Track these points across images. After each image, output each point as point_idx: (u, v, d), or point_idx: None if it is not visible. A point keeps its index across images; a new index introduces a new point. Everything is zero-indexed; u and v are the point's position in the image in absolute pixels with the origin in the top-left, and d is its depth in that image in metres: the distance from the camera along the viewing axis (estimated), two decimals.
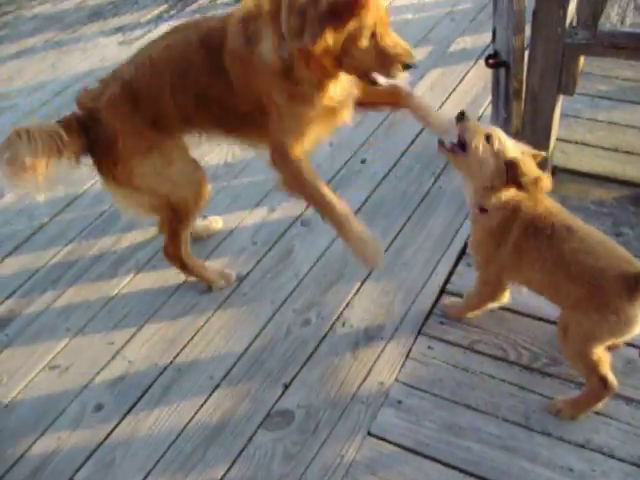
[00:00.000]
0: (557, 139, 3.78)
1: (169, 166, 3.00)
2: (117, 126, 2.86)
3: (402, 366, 2.92)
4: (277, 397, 2.89)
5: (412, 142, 4.18)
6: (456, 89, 4.62)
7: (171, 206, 3.08)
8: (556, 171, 3.80)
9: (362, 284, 3.31)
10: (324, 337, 3.10)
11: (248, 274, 3.46)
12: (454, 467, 2.58)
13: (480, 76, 4.60)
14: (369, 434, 2.71)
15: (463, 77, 4.73)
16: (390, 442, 2.68)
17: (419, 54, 5.11)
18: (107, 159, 2.93)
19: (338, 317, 3.18)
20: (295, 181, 2.88)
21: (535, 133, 3.49)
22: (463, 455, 2.61)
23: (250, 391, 2.94)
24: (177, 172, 3.04)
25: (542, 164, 2.72)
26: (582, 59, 3.39)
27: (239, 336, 3.16)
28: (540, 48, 3.24)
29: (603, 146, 4.01)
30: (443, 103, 4.49)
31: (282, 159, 2.84)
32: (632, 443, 2.57)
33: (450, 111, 4.41)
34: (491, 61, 3.69)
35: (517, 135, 3.65)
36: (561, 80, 3.29)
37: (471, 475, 2.55)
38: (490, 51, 3.76)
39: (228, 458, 2.72)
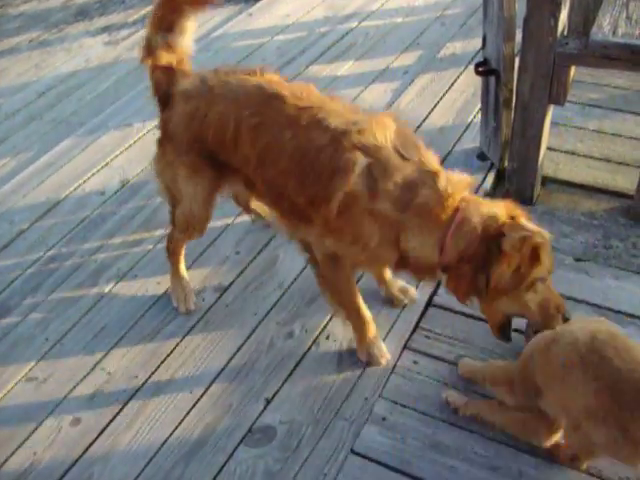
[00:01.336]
0: (547, 148, 3.74)
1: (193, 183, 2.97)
2: (171, 128, 2.90)
3: (387, 381, 2.87)
4: (259, 412, 2.83)
5: None
6: (445, 95, 4.58)
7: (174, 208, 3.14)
8: (546, 181, 3.76)
9: None
10: (308, 351, 3.04)
11: (231, 284, 3.39)
12: None
13: (470, 82, 4.56)
14: (352, 452, 2.65)
15: (452, 83, 4.69)
16: (374, 460, 2.61)
17: (408, 59, 5.09)
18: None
19: (322, 330, 3.12)
20: (336, 287, 2.87)
21: (525, 143, 3.45)
22: (448, 474, 2.55)
23: (231, 406, 2.87)
24: (185, 193, 3.01)
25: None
26: (573, 69, 3.35)
27: (221, 348, 3.09)
28: (531, 57, 3.20)
29: (593, 156, 3.98)
30: (432, 109, 4.44)
31: (334, 266, 2.76)
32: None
33: (439, 117, 4.38)
34: (481, 69, 3.66)
35: (507, 144, 3.61)
36: (552, 90, 3.26)
37: None
38: (480, 58, 3.73)
39: (208, 475, 2.65)
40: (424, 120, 4.38)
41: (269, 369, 2.98)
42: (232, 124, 2.70)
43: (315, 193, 2.58)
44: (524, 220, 2.44)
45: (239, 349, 3.08)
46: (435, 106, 4.48)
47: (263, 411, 2.83)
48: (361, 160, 2.45)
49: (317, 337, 3.09)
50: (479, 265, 2.39)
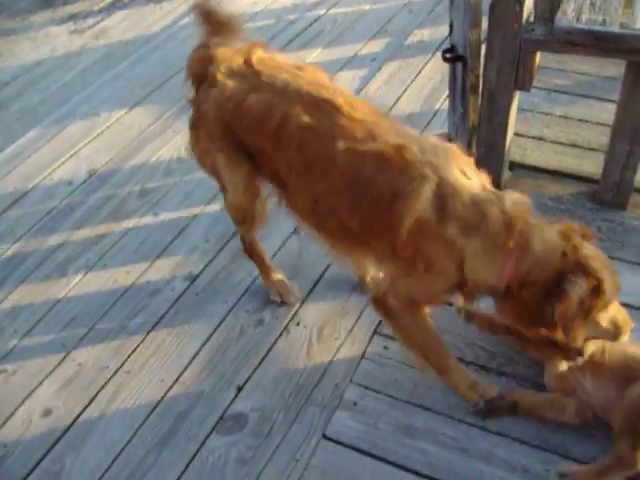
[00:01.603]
0: (514, 134, 3.77)
1: (225, 169, 2.80)
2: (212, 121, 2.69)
3: (357, 367, 2.88)
4: (230, 400, 2.83)
5: None
6: (413, 82, 4.59)
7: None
8: (513, 166, 3.79)
9: (317, 283, 3.26)
10: (278, 338, 3.05)
11: (201, 273, 3.39)
12: (410, 470, 2.54)
13: (437, 69, 4.57)
14: (324, 437, 2.67)
15: (420, 70, 4.71)
16: (345, 445, 2.64)
17: (376, 46, 5.09)
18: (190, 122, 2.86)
19: (292, 317, 3.13)
20: (417, 331, 2.64)
21: (492, 129, 3.47)
22: (419, 457, 2.58)
23: (203, 394, 2.87)
24: (229, 181, 2.83)
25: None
26: (539, 55, 3.37)
27: (191, 337, 3.09)
28: (497, 43, 3.21)
29: (560, 141, 4.01)
30: (400, 96, 4.45)
31: (413, 308, 2.57)
32: (588, 443, 2.56)
33: (407, 104, 4.40)
34: (448, 55, 3.66)
35: (474, 130, 3.63)
36: (518, 76, 3.27)
37: (427, 477, 2.52)
38: (447, 45, 3.73)
39: (181, 463, 2.66)
40: (392, 107, 4.39)
41: (240, 357, 2.99)
42: (277, 117, 2.49)
43: (374, 218, 2.40)
44: (587, 250, 2.36)
45: (209, 337, 3.08)
46: (403, 93, 4.49)
47: (234, 398, 2.84)
48: (430, 181, 2.29)
49: (287, 324, 3.10)
50: (540, 294, 2.33)
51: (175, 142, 4.19)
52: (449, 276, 2.39)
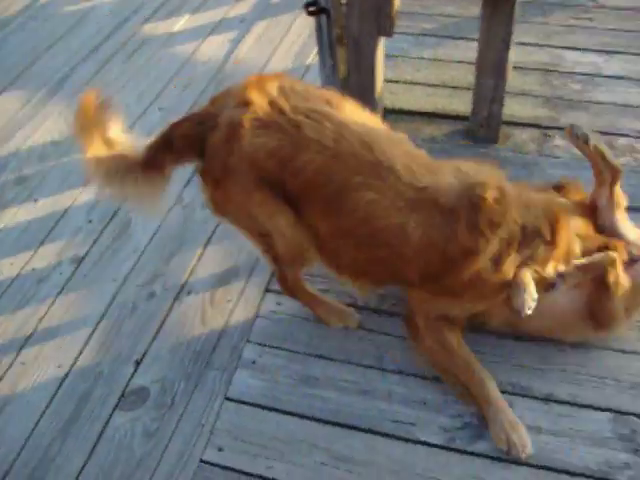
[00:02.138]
0: (385, 80, 3.81)
1: (270, 219, 2.55)
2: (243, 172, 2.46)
3: (253, 326, 2.91)
4: (130, 375, 2.82)
5: None
6: (283, 40, 4.59)
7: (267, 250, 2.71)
8: (387, 112, 3.85)
9: (204, 249, 3.26)
10: (171, 308, 3.04)
11: (86, 254, 3.33)
12: (313, 418, 2.60)
13: (306, 25, 4.57)
14: (227, 399, 2.69)
15: (289, 27, 4.71)
16: (248, 403, 2.67)
17: (244, 7, 5.05)
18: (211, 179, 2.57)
19: (183, 286, 3.12)
20: (450, 354, 2.65)
21: (361, 77, 3.51)
22: (321, 405, 2.64)
23: (102, 373, 2.85)
24: (275, 228, 2.57)
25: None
26: (398, 0, 3.41)
27: (84, 319, 3.05)
28: None
29: (431, 83, 4.09)
30: (271, 55, 4.45)
31: (444, 327, 2.65)
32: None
33: (278, 63, 4.39)
34: (311, 9, 3.65)
35: (345, 81, 3.66)
36: (379, 22, 3.30)
37: (330, 423, 2.58)
38: None
39: (87, 445, 2.63)
40: (264, 67, 4.38)
41: (135, 332, 2.97)
42: (334, 186, 2.40)
43: (436, 274, 2.49)
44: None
45: (102, 317, 3.05)
46: (274, 52, 4.49)
47: (134, 373, 2.83)
48: (492, 241, 2.41)
49: (178, 294, 3.09)
50: None
51: (47, 126, 4.08)
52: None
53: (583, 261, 2.54)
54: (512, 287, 2.47)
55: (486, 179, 2.45)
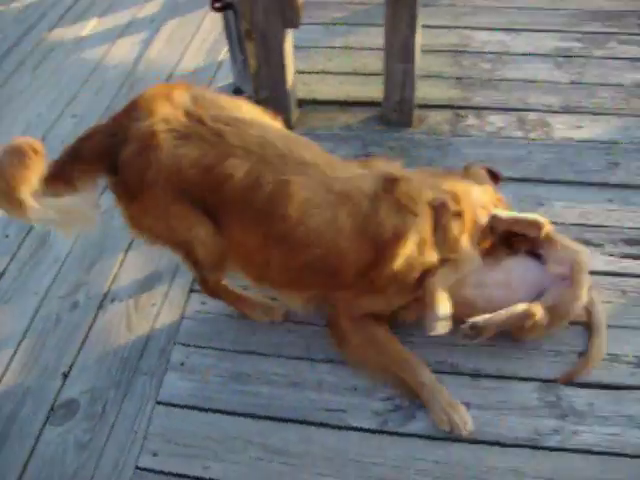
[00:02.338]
0: (298, 72, 3.83)
1: (189, 231, 2.49)
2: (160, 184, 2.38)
3: (179, 327, 2.90)
4: (58, 389, 2.77)
5: None
6: (194, 38, 4.57)
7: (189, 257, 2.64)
8: (302, 104, 3.86)
9: (125, 255, 3.23)
10: (96, 317, 3.00)
11: (5, 270, 3.26)
12: (246, 415, 2.61)
13: (216, 21, 4.55)
14: (158, 403, 2.67)
15: (200, 24, 4.67)
16: (180, 406, 2.66)
17: (153, 7, 5.01)
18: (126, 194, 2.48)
19: (106, 294, 3.08)
20: (377, 348, 2.68)
21: (271, 70, 3.52)
22: (252, 401, 2.64)
23: (30, 389, 2.79)
24: (195, 238, 2.51)
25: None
26: None
27: (7, 336, 2.98)
28: None
29: (344, 71, 4.12)
30: (182, 54, 4.42)
31: (371, 323, 2.68)
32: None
33: (190, 61, 4.37)
34: (217, 5, 3.65)
35: (257, 75, 3.66)
36: (285, 14, 3.31)
37: (263, 418, 2.59)
38: None
39: (18, 464, 2.58)
40: (176, 66, 4.35)
41: (60, 344, 2.92)
42: (265, 191, 2.37)
43: (370, 263, 2.49)
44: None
45: (26, 332, 2.99)
46: (185, 50, 4.46)
47: (62, 386, 2.78)
48: (410, 221, 2.47)
49: (102, 302, 3.05)
50: None
51: None
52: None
53: (502, 315, 2.57)
54: (426, 303, 2.56)
55: (389, 167, 2.58)
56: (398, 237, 2.46)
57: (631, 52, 4.13)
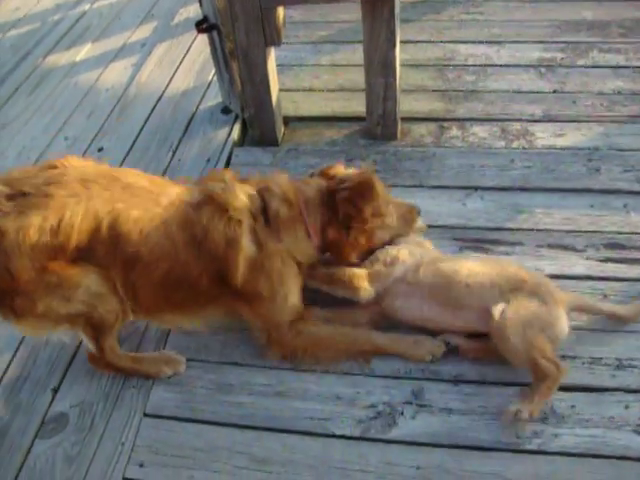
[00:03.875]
0: (285, 90, 3.91)
1: (76, 289, 2.54)
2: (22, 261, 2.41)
3: (166, 341, 2.95)
4: (48, 403, 2.81)
5: (145, 122, 4.16)
6: (184, 60, 4.65)
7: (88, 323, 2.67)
8: (288, 121, 3.93)
9: None
10: None
11: None
12: (231, 425, 2.64)
13: (205, 43, 4.61)
14: (145, 415, 2.71)
15: (189, 47, 4.77)
16: (166, 417, 2.70)
17: (145, 31, 5.09)
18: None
19: None
20: (311, 345, 2.80)
21: (255, 88, 3.59)
22: (237, 411, 2.68)
23: (20, 404, 2.83)
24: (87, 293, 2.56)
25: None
26: (281, 10, 3.49)
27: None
28: (238, 5, 3.32)
29: (329, 88, 4.20)
30: (172, 76, 4.50)
31: (290, 329, 2.79)
32: (389, 360, 2.76)
33: (180, 83, 4.45)
34: (202, 26, 3.73)
35: (242, 94, 3.73)
36: (265, 33, 3.38)
37: (248, 428, 2.63)
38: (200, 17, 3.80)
39: (9, 477, 2.62)
40: (166, 88, 4.44)
41: (51, 359, 2.97)
42: (106, 222, 2.47)
43: (218, 268, 2.63)
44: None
45: (17, 349, 3.03)
46: (175, 72, 4.55)
47: (52, 401, 2.82)
48: (244, 222, 2.64)
49: None
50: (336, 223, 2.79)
51: None
52: (295, 274, 2.78)
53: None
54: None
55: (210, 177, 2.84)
56: (231, 243, 2.61)
57: (613, 60, 4.20)
